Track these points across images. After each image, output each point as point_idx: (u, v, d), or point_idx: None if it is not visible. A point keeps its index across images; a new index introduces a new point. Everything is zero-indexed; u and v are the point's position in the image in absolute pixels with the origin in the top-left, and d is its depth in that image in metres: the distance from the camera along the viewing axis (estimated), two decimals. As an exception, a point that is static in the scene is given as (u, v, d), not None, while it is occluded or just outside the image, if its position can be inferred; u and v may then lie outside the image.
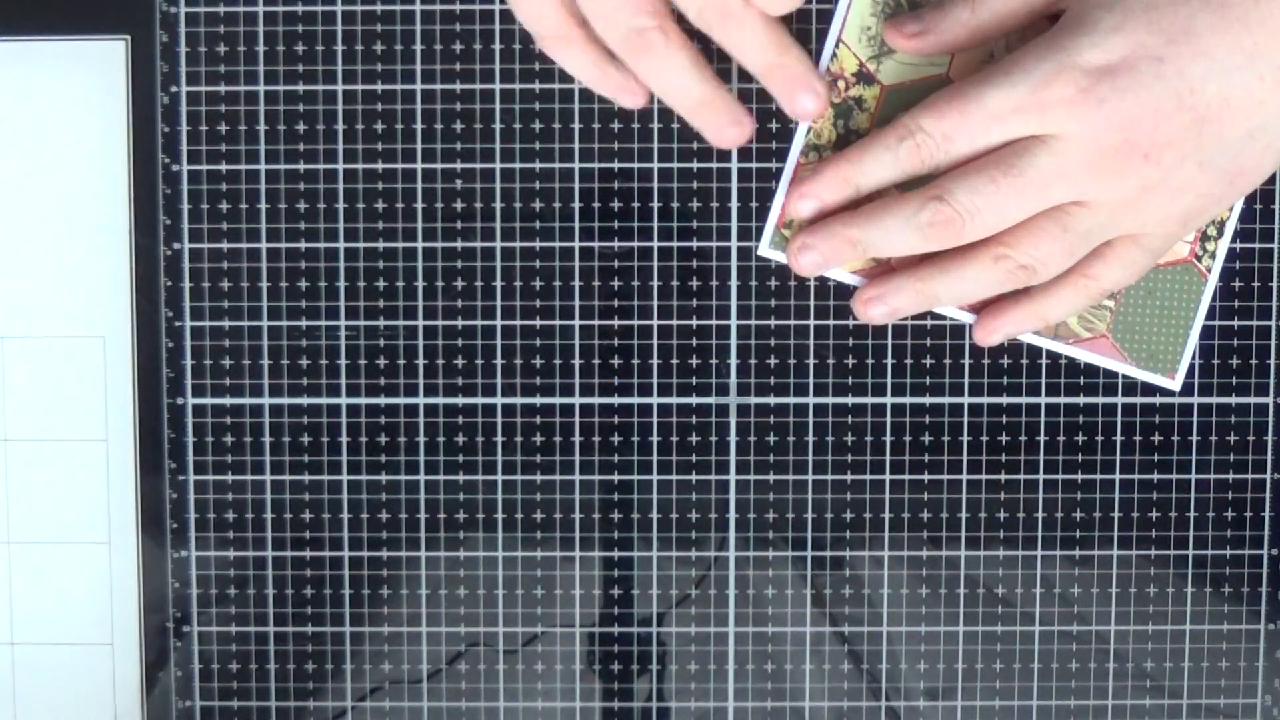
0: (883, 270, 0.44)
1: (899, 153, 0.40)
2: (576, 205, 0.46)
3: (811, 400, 0.46)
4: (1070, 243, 0.40)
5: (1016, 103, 0.39)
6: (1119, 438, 0.46)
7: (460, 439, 0.46)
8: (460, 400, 0.46)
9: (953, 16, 0.41)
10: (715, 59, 0.43)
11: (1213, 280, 0.45)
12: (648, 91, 0.40)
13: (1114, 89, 0.38)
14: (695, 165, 0.45)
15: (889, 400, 0.46)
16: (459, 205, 0.46)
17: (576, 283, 0.46)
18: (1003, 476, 0.47)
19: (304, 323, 0.46)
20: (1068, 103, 0.38)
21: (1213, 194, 0.40)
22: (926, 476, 0.46)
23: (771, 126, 0.45)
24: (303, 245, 0.46)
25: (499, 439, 0.46)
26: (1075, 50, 0.38)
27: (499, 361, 0.46)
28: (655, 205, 0.46)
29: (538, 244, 0.46)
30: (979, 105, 0.39)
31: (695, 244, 0.46)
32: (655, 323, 0.46)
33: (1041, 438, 0.46)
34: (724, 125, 0.40)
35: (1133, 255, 0.42)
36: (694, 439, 0.46)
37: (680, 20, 0.38)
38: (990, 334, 0.44)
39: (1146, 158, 0.38)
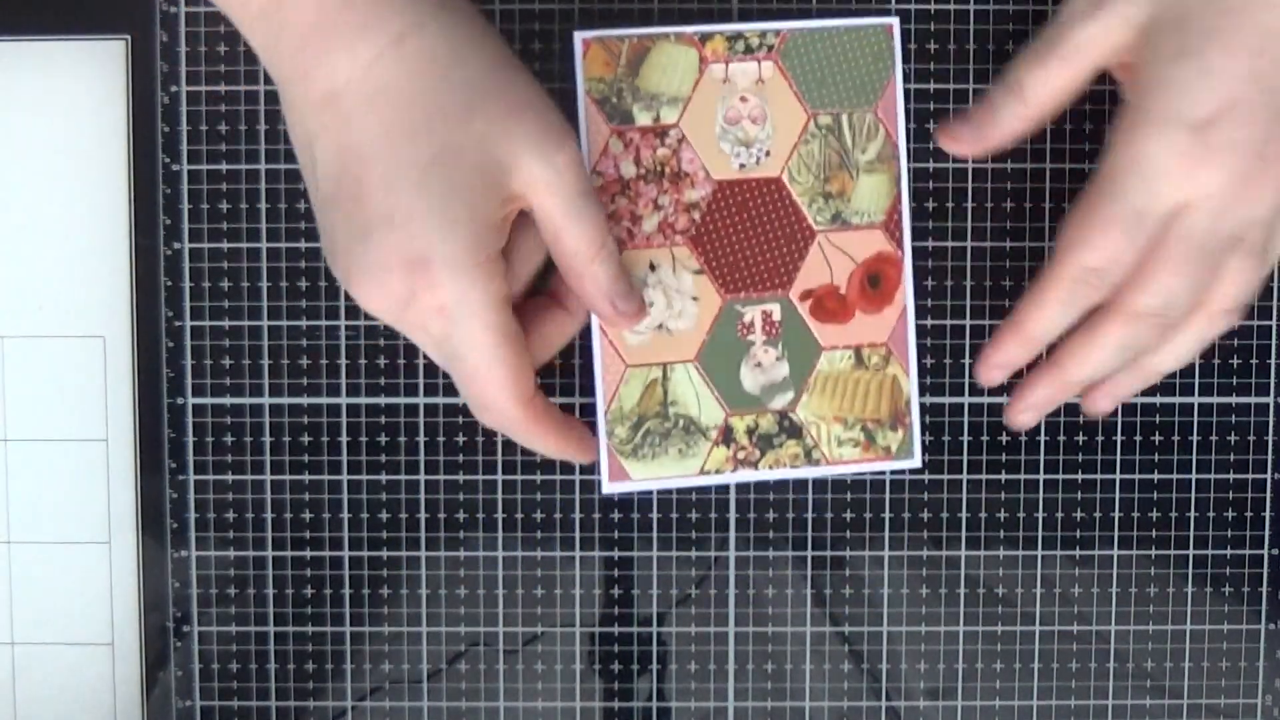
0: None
1: (1075, 297, 0.41)
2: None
3: (812, 400, 0.46)
4: (1192, 264, 0.39)
5: (1156, 190, 0.39)
6: (1119, 438, 0.46)
7: (460, 439, 0.46)
8: (461, 400, 0.46)
9: (1006, 110, 0.41)
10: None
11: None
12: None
13: (1227, 134, 0.38)
14: (695, 165, 0.45)
15: (889, 400, 0.46)
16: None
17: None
18: (1003, 476, 0.46)
19: (304, 323, 0.46)
20: (1195, 166, 0.38)
21: None
22: (927, 476, 0.46)
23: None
24: (303, 245, 0.46)
25: (499, 439, 0.46)
26: (1177, 115, 0.38)
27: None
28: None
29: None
30: (1125, 213, 0.39)
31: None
32: (655, 323, 0.46)
33: (1042, 438, 0.46)
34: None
35: (1247, 264, 0.40)
36: (694, 439, 0.46)
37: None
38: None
39: (1262, 158, 0.39)
